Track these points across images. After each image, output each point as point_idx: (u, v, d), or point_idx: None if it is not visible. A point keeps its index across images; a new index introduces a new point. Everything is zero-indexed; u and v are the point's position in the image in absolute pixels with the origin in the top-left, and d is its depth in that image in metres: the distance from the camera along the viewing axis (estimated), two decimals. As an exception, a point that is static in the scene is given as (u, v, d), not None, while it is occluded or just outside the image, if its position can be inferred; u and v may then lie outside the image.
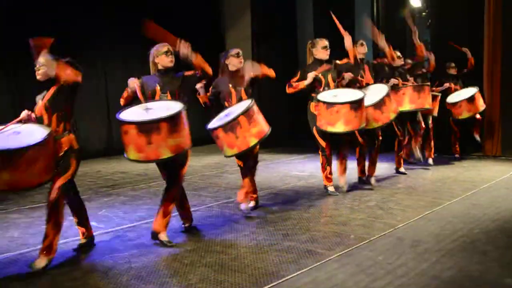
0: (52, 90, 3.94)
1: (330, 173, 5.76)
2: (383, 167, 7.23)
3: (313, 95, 5.54)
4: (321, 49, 5.55)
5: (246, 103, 4.72)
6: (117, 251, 4.05)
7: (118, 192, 6.42)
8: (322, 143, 5.61)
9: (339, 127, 5.28)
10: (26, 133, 3.75)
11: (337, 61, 5.71)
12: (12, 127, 3.81)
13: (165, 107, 4.00)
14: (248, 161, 5.07)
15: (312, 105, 5.58)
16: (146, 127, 3.78)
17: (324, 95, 5.39)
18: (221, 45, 11.97)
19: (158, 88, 4.27)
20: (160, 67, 4.32)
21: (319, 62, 5.58)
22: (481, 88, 8.38)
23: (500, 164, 7.63)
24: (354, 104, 5.25)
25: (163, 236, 4.15)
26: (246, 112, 4.52)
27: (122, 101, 4.37)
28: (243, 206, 4.98)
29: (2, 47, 8.41)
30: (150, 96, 4.29)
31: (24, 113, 3.91)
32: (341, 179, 5.84)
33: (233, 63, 5.03)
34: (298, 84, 5.58)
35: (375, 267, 3.50)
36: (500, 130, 8.33)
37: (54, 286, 3.37)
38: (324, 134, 5.53)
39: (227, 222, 4.83)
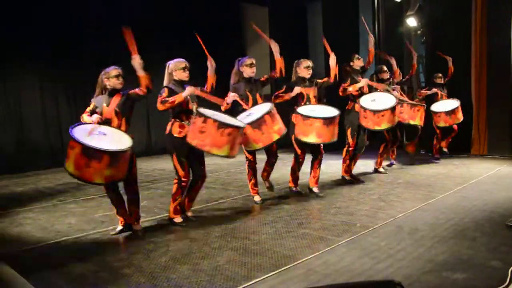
0: (119, 97, 3.98)
1: (296, 174, 5.50)
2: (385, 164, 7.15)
3: (295, 107, 5.27)
4: (303, 68, 5.35)
5: (267, 104, 4.74)
6: (156, 236, 4.08)
7: (157, 186, 6.48)
8: (298, 151, 5.36)
9: (312, 138, 5.06)
10: (113, 135, 3.80)
11: (318, 80, 5.42)
12: (94, 128, 3.80)
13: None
14: (270, 157, 5.10)
15: (293, 116, 5.23)
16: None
17: (303, 109, 5.16)
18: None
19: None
20: (176, 79, 4.30)
21: (301, 79, 5.35)
22: (470, 94, 8.27)
23: (487, 162, 7.48)
24: (326, 120, 4.99)
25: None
26: (270, 112, 4.56)
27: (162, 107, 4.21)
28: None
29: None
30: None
31: (97, 117, 3.92)
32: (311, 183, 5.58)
33: (247, 72, 4.94)
34: (284, 95, 5.27)
35: (378, 251, 3.46)
36: (487, 132, 8.20)
37: (104, 265, 3.41)
38: (301, 143, 5.20)
39: (249, 212, 4.84)
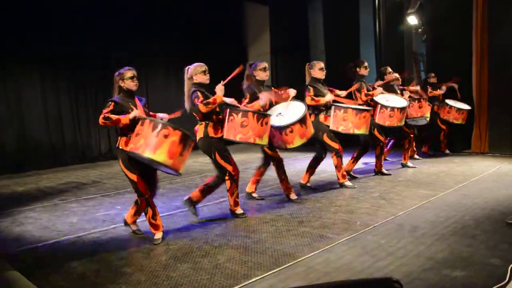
0: (138, 102, 4.02)
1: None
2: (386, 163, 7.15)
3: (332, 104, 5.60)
4: (318, 70, 5.51)
5: (288, 103, 4.99)
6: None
7: (158, 185, 6.48)
8: (336, 146, 5.54)
9: (363, 130, 5.55)
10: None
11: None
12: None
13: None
14: (268, 161, 5.25)
15: (321, 116, 5.58)
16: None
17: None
18: (244, 58, 12.01)
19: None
20: (197, 82, 4.32)
21: (317, 81, 5.51)
22: (471, 92, 8.28)
23: (487, 160, 7.48)
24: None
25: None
26: (306, 108, 4.92)
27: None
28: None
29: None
30: None
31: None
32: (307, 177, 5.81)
33: (260, 75, 4.99)
34: (319, 99, 5.43)
35: (378, 249, 3.47)
36: (488, 130, 8.19)
37: (105, 264, 3.42)
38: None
39: (250, 211, 4.84)
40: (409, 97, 7.00)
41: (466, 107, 7.74)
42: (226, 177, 4.47)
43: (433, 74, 8.05)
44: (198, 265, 3.30)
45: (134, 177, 3.82)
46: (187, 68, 4.39)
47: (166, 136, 3.57)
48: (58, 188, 6.69)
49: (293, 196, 5.16)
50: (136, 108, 3.87)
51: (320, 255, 3.41)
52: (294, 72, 9.41)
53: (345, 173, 5.85)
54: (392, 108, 6.07)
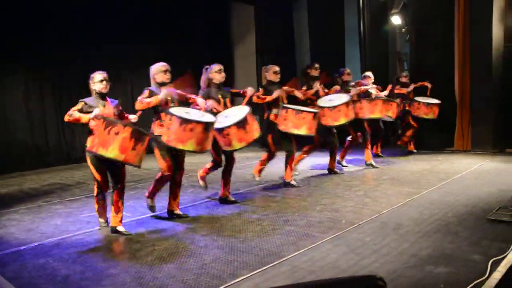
0: (110, 103, 4.23)
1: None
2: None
3: (272, 107, 5.73)
4: (272, 73, 5.72)
5: (241, 107, 4.94)
6: (142, 236, 4.07)
7: (143, 186, 6.43)
8: (273, 148, 5.77)
9: (303, 131, 5.53)
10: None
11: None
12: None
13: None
14: (231, 163, 5.16)
15: (271, 115, 5.73)
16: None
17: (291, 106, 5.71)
18: (230, 58, 11.99)
19: None
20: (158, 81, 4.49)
21: (272, 83, 5.72)
22: (453, 91, 8.40)
23: (470, 158, 7.60)
24: (316, 114, 5.68)
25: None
26: (249, 112, 4.76)
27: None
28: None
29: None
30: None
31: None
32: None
33: (216, 77, 5.01)
34: (265, 97, 5.59)
35: (363, 247, 3.50)
36: (470, 128, 8.32)
37: (89, 265, 3.39)
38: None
39: (236, 210, 4.84)
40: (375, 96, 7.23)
41: (435, 101, 7.76)
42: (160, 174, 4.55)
43: (405, 74, 8.23)
44: (184, 265, 3.29)
45: (98, 176, 4.13)
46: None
47: (117, 133, 3.78)
48: (42, 189, 6.61)
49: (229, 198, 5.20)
50: (105, 109, 4.10)
51: (306, 253, 3.42)
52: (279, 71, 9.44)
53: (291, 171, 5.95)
54: (333, 107, 6.09)
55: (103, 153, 3.77)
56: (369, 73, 7.41)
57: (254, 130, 4.81)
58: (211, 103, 4.84)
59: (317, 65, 6.42)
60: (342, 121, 6.14)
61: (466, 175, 6.12)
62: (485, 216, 4.10)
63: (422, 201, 4.82)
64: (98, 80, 4.13)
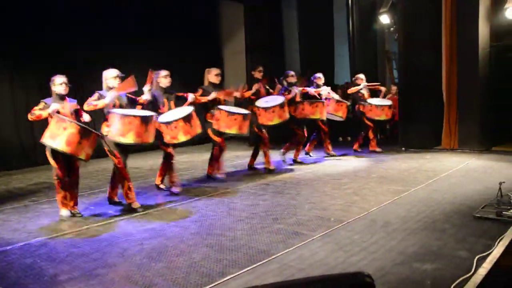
0: (68, 103, 4.82)
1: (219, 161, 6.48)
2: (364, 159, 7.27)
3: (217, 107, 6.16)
4: (214, 76, 6.24)
5: (185, 107, 5.63)
6: (131, 235, 4.06)
7: (137, 185, 6.42)
8: (218, 139, 6.23)
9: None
10: None
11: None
12: None
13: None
14: (170, 158, 5.72)
15: (217, 113, 6.08)
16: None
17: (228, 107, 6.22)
18: (219, 56, 11.97)
19: None
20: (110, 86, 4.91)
21: (212, 85, 6.23)
22: (440, 89, 8.49)
23: (457, 156, 7.69)
24: (246, 115, 6.09)
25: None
26: (193, 110, 5.47)
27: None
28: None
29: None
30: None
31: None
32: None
33: (163, 82, 5.65)
34: (201, 98, 6.10)
35: (351, 245, 3.54)
36: (457, 127, 8.41)
37: (77, 265, 3.37)
38: (219, 133, 6.15)
39: (225, 209, 4.85)
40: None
41: (386, 103, 8.23)
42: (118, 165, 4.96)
43: (361, 76, 8.48)
44: (173, 264, 3.29)
45: (54, 163, 4.60)
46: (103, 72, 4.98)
47: (65, 128, 4.36)
48: (28, 188, 6.55)
49: (174, 189, 5.70)
50: (63, 108, 4.63)
51: (295, 251, 3.45)
52: (268, 70, 9.46)
53: (216, 166, 6.50)
54: (267, 108, 6.54)
55: (50, 143, 4.37)
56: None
57: (197, 126, 5.49)
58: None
59: (260, 68, 6.94)
60: (275, 121, 6.60)
61: (453, 173, 6.20)
62: (471, 214, 4.17)
63: (410, 199, 4.88)
64: (58, 83, 4.66)
